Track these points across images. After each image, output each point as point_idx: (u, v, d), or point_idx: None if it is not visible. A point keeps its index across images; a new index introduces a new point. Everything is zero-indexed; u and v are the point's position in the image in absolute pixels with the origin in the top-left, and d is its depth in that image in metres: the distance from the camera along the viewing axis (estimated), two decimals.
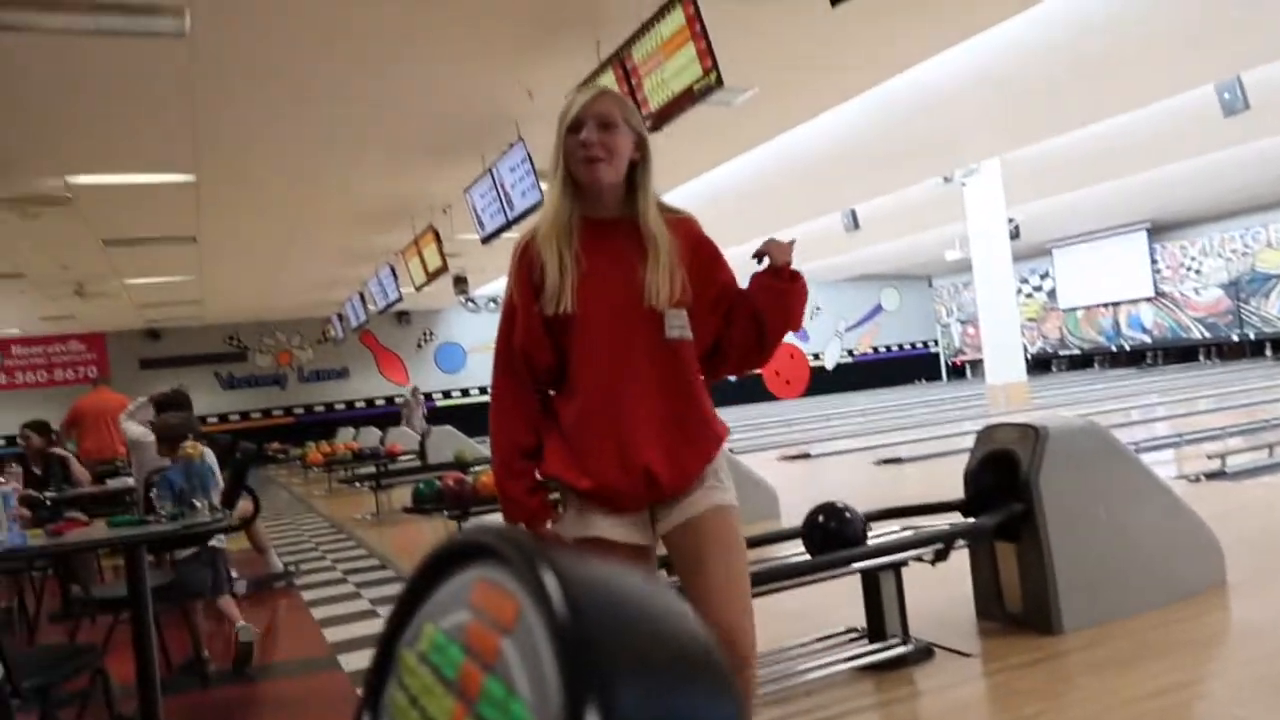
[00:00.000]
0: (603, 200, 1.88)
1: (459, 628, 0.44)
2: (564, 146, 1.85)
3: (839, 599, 3.33)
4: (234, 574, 5.67)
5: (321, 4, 4.67)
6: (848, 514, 3.04)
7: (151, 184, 7.73)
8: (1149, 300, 20.05)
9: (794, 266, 1.95)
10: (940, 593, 3.46)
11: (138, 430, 5.38)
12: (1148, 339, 20.39)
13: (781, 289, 1.93)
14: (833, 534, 2.99)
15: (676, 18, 4.53)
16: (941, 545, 3.07)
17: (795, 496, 5.81)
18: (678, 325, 1.87)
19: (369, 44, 5.27)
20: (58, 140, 6.38)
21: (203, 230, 9.74)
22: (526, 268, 1.88)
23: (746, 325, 1.95)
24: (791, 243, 1.99)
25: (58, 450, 6.94)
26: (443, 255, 10.02)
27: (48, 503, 5.46)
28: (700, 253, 1.92)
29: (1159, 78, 8.39)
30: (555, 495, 1.94)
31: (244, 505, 5.34)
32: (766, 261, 1.95)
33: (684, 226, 1.92)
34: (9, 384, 17.91)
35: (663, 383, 1.85)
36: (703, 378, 1.95)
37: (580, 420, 1.85)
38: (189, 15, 4.56)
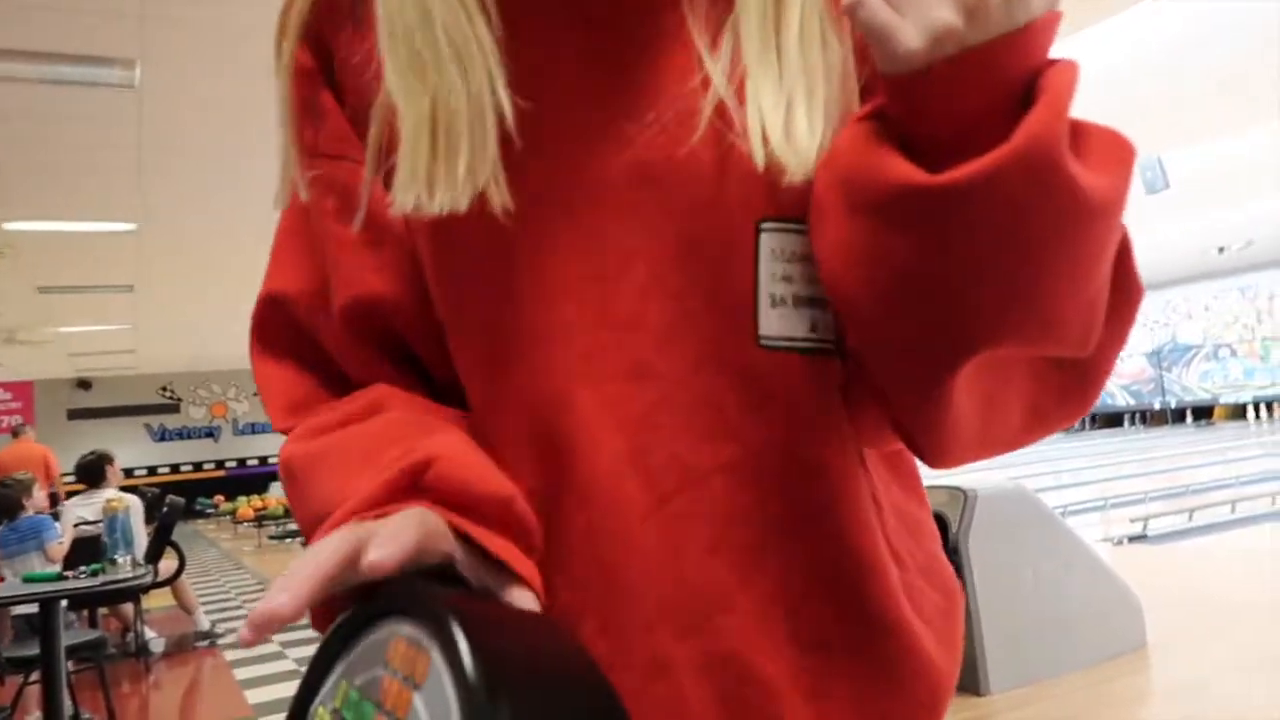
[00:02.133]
0: None
1: (373, 684, 0.43)
2: None
3: None
4: (152, 633, 5.50)
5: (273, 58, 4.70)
6: None
7: (91, 232, 7.60)
8: None
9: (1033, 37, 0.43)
10: None
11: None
12: None
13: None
14: None
15: None
16: None
17: None
18: (804, 286, 0.52)
19: None
20: None
21: (140, 279, 9.56)
22: (313, 87, 0.59)
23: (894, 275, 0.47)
24: None
25: None
26: None
27: None
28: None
29: None
30: None
31: (168, 561, 5.20)
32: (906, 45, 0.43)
33: None
34: None
35: (761, 483, 0.51)
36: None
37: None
38: (139, 67, 4.56)
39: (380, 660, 0.44)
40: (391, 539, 0.43)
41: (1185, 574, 4.95)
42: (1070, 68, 0.44)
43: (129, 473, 17.54)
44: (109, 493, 5.07)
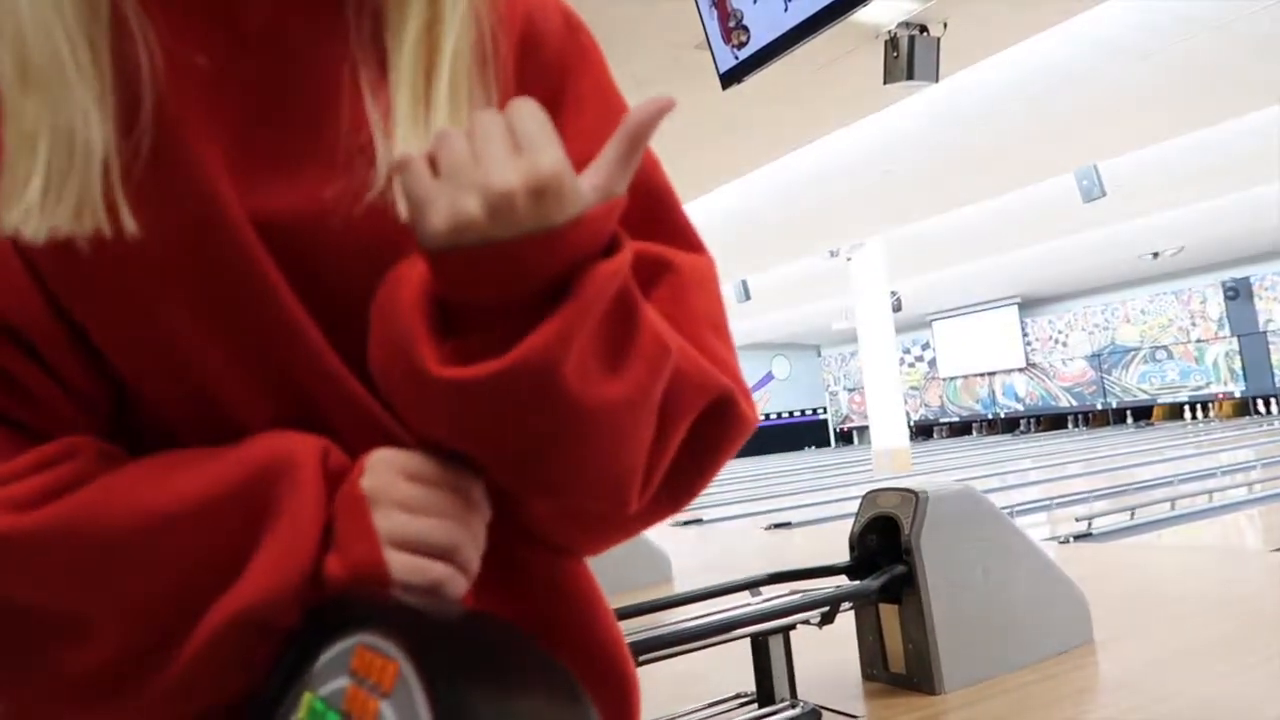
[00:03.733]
0: None
1: (338, 693, 0.44)
2: None
3: (729, 663, 3.36)
4: None
5: None
6: None
7: None
8: (1021, 370, 21.11)
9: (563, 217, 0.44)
10: (827, 655, 3.52)
11: None
12: (1020, 407, 21.40)
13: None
14: None
15: None
16: (828, 608, 3.14)
17: (688, 561, 5.85)
18: None
19: None
20: None
21: None
22: None
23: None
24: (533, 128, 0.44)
25: None
26: None
27: None
28: (536, 75, 0.56)
29: (1025, 165, 9.00)
30: None
31: None
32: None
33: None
34: None
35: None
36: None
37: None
38: None
39: (344, 670, 0.44)
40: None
41: (1128, 570, 5.07)
42: (609, 272, 0.45)
43: None
44: None
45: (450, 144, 0.44)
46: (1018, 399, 21.39)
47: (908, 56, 5.09)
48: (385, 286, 0.48)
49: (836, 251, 13.50)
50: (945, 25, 5.18)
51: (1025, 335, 20.87)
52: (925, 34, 5.15)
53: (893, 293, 14.92)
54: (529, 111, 0.44)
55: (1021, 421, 21.58)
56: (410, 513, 0.48)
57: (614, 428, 0.48)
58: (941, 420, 23.27)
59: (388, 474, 0.49)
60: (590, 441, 0.48)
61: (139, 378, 0.51)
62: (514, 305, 0.44)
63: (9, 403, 0.50)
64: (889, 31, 5.11)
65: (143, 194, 0.48)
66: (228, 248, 0.49)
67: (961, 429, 23.05)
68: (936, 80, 5.23)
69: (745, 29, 3.96)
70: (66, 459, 0.49)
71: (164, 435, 0.52)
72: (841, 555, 3.50)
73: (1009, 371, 21.34)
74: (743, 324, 18.61)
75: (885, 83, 5.19)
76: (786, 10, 3.70)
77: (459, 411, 0.46)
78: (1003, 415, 21.78)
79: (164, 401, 0.52)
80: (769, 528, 8.80)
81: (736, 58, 4.06)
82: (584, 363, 0.45)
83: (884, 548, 3.37)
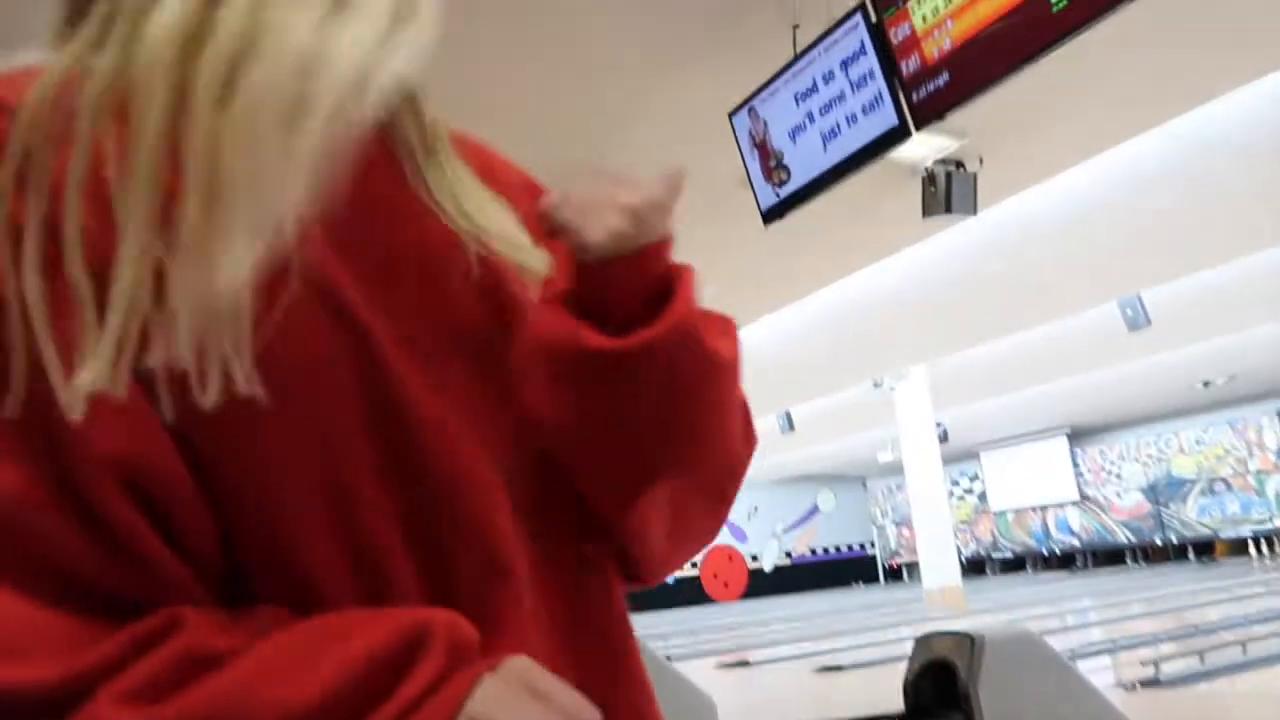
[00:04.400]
0: None
1: None
2: None
3: None
4: None
5: None
6: None
7: None
8: (1075, 504, 20.52)
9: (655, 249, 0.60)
10: None
11: None
12: (1076, 542, 20.70)
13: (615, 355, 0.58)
14: None
15: None
16: None
17: (734, 707, 5.60)
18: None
19: None
20: None
21: None
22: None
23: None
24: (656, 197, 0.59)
25: None
26: None
27: None
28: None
29: (1066, 296, 9.00)
30: None
31: None
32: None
33: (464, 146, 0.67)
34: None
35: (557, 620, 0.60)
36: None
37: None
38: None
39: None
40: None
41: None
42: (687, 267, 0.62)
43: None
44: None
45: (573, 193, 0.60)
46: (1072, 533, 20.72)
47: (945, 191, 5.18)
48: (534, 328, 0.61)
49: (880, 382, 13.45)
50: (981, 161, 5.28)
51: (1076, 467, 20.38)
52: (962, 169, 5.25)
53: (938, 423, 14.75)
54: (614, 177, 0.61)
55: (1078, 557, 20.84)
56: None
57: (732, 379, 0.65)
58: (994, 555, 22.55)
59: (512, 685, 0.48)
60: (718, 389, 0.63)
61: (281, 520, 0.51)
62: (643, 297, 0.60)
63: (110, 570, 0.47)
64: (925, 168, 5.22)
65: (295, 334, 0.52)
66: (379, 369, 0.55)
67: (1015, 564, 22.29)
68: (974, 213, 5.30)
69: (786, 168, 4.07)
70: (172, 635, 0.46)
71: (289, 579, 0.51)
72: (895, 700, 3.33)
73: (1062, 505, 20.76)
74: (786, 456, 18.45)
75: (924, 216, 5.27)
76: (825, 150, 3.80)
77: (626, 379, 0.59)
78: (1058, 551, 21.07)
79: (305, 541, 0.52)
80: (819, 670, 8.46)
81: (778, 196, 4.15)
82: (707, 327, 0.62)
83: (940, 695, 3.20)
